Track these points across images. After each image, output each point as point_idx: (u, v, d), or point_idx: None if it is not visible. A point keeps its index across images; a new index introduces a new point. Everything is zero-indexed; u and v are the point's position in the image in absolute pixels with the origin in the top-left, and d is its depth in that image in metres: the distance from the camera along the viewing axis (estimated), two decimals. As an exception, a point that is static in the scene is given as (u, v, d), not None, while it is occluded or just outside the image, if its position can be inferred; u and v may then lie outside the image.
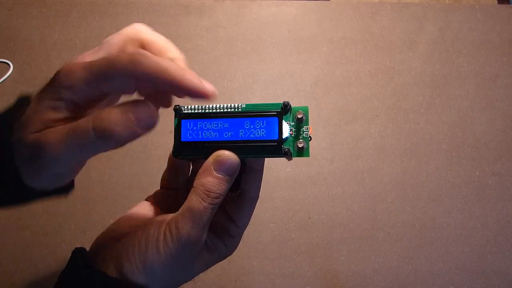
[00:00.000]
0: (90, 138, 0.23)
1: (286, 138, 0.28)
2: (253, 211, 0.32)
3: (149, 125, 0.24)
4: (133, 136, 0.24)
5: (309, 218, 0.59)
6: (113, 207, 0.56)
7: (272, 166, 0.60)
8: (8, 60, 0.65)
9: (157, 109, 0.26)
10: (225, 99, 0.64)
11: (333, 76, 0.66)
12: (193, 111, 0.29)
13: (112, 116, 0.23)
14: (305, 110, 0.29)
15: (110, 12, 0.68)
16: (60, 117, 0.25)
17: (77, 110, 0.26)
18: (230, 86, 0.65)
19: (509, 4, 0.77)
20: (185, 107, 0.29)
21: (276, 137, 0.28)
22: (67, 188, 0.30)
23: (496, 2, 0.77)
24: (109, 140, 0.23)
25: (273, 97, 0.64)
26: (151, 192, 0.36)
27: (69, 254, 0.30)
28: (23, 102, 0.27)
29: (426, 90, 0.65)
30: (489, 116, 0.64)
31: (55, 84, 0.25)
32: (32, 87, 0.64)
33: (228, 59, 0.66)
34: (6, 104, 0.28)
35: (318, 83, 0.65)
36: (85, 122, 0.23)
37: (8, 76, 0.64)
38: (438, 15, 0.69)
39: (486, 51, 0.67)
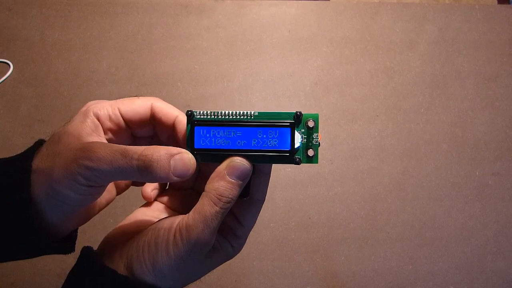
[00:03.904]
0: (132, 168, 0.26)
1: (298, 148, 0.29)
2: (259, 213, 0.32)
3: (183, 176, 0.27)
4: (167, 180, 0.27)
5: (309, 218, 0.59)
6: (113, 207, 0.56)
7: (273, 166, 0.60)
8: (8, 60, 0.65)
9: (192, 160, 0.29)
10: (225, 99, 0.64)
11: (333, 76, 0.66)
12: (205, 117, 0.29)
13: (155, 157, 0.26)
14: (316, 118, 0.29)
15: (110, 12, 0.68)
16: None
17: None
18: (230, 86, 0.65)
19: (509, 4, 0.77)
20: (197, 112, 0.30)
21: (288, 148, 0.29)
22: (68, 249, 0.31)
23: (496, 2, 0.77)
24: (146, 176, 0.26)
25: (273, 97, 0.64)
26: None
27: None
28: (40, 143, 0.29)
29: (426, 90, 0.65)
30: (489, 116, 0.64)
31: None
32: (32, 87, 0.64)
33: (228, 59, 0.66)
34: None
35: (318, 83, 0.65)
36: (132, 152, 0.26)
37: (8, 76, 0.64)
38: (438, 15, 0.69)
39: (486, 51, 0.67)
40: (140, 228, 0.29)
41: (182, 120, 0.31)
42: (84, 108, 0.30)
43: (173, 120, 0.31)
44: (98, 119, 0.29)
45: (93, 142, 0.27)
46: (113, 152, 0.25)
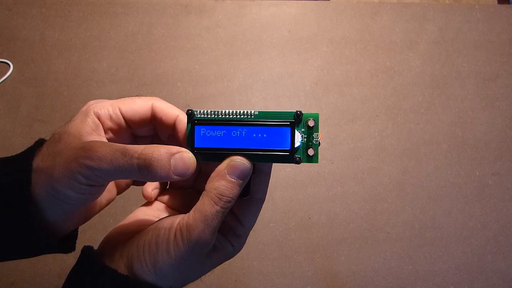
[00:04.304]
0: (132, 167, 0.26)
1: (298, 147, 0.29)
2: (259, 212, 0.32)
3: (184, 175, 0.27)
4: (167, 179, 0.27)
5: (309, 218, 0.59)
6: (113, 207, 0.56)
7: (273, 165, 0.60)
8: (8, 60, 0.65)
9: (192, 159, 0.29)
10: (225, 99, 0.64)
11: (333, 76, 0.66)
12: (206, 116, 0.29)
13: (155, 156, 0.26)
14: (316, 118, 0.29)
15: (110, 12, 0.68)
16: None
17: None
18: (230, 86, 0.65)
19: (509, 4, 0.77)
20: (198, 112, 0.30)
21: (288, 147, 0.29)
22: (68, 249, 0.32)
23: (496, 2, 0.77)
24: (146, 175, 0.26)
25: (273, 97, 0.64)
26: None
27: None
28: (40, 143, 0.29)
29: (426, 90, 0.65)
30: (489, 116, 0.64)
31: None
32: (32, 87, 0.64)
33: (228, 59, 0.66)
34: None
35: (318, 83, 0.65)
36: (133, 151, 0.26)
37: (8, 76, 0.64)
38: (438, 15, 0.69)
39: (486, 51, 0.67)
40: (141, 228, 0.29)
41: (182, 120, 0.31)
42: (84, 108, 0.30)
43: (173, 120, 0.31)
44: (99, 119, 0.29)
45: (93, 141, 0.27)
46: (114, 151, 0.25)
